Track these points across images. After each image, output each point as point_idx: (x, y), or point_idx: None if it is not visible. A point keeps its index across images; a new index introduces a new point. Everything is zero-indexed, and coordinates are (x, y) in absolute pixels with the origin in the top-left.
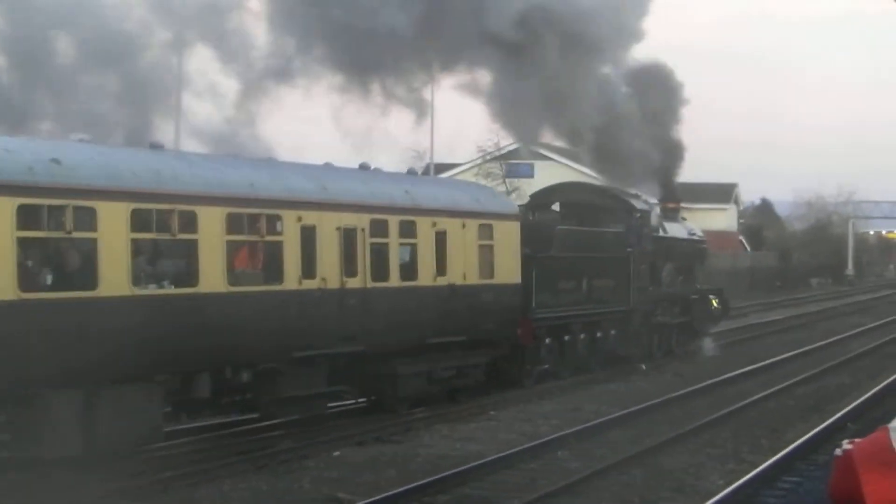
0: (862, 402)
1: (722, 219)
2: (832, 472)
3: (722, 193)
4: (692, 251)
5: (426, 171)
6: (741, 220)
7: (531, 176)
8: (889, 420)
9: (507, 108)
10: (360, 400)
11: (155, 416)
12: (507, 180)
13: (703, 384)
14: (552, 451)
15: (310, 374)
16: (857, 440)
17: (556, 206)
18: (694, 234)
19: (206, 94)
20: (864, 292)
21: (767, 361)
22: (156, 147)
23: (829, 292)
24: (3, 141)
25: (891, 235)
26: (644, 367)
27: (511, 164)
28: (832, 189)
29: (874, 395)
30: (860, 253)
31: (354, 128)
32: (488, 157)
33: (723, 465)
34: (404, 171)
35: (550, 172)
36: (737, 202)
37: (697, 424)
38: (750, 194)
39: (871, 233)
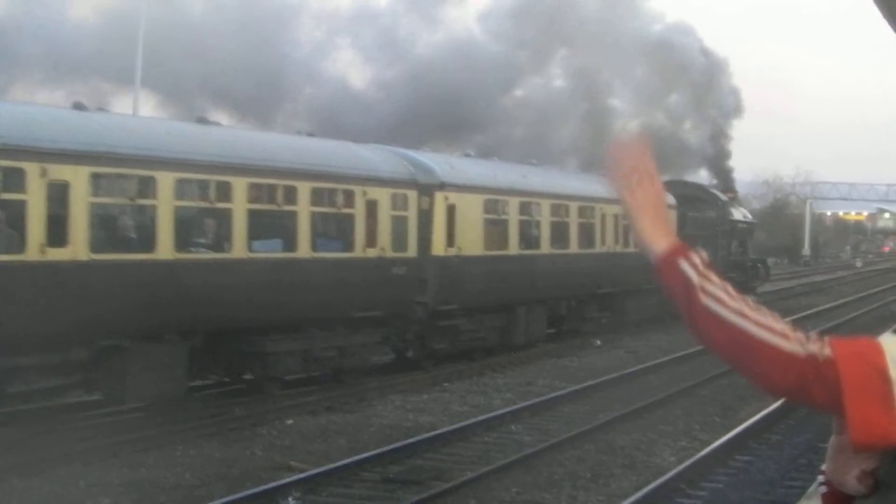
0: None
1: None
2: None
3: None
4: (747, 229)
5: None
6: None
7: None
8: None
9: None
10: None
11: (542, 326)
12: None
13: (657, 361)
14: (505, 425)
15: (595, 305)
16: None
17: None
18: (747, 217)
19: None
20: (820, 273)
21: None
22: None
23: (785, 272)
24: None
25: (847, 217)
26: (598, 342)
27: None
28: (790, 169)
29: None
30: (817, 234)
31: None
32: None
33: (675, 441)
34: None
35: None
36: None
37: (650, 401)
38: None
39: (829, 214)
